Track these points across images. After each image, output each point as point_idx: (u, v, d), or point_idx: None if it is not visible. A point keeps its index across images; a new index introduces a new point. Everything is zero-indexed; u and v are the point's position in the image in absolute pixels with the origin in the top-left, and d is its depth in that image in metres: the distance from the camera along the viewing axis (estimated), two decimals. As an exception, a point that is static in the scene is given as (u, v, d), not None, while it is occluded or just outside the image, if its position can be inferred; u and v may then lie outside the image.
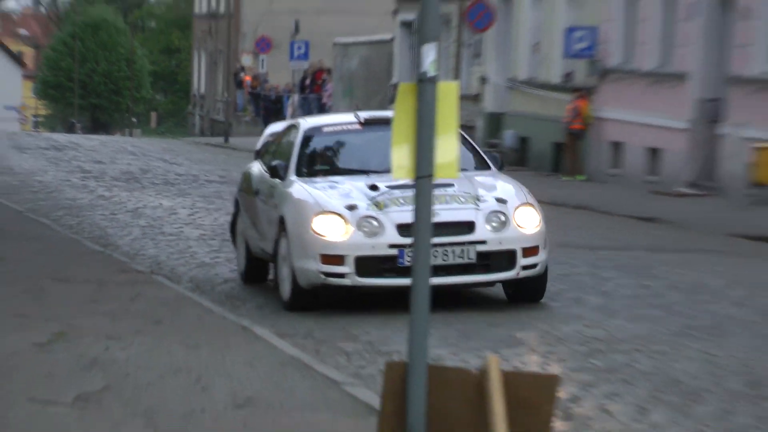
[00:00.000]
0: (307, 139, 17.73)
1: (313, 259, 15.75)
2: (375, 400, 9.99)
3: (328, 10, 68.39)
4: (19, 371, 12.11)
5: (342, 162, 17.91)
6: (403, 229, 15.40)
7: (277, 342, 13.93)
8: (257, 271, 18.73)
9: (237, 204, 19.54)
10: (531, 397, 8.22)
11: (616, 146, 37.36)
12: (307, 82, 60.37)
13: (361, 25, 60.71)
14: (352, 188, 16.41)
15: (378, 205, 15.85)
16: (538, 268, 16.22)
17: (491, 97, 43.63)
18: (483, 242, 15.88)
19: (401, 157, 8.33)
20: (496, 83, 43.94)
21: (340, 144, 18.15)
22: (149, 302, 16.02)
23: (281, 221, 16.57)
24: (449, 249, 15.73)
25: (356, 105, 41.29)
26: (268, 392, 11.67)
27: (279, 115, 61.85)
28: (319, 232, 15.78)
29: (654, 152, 35.14)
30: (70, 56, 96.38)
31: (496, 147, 39.21)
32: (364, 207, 15.93)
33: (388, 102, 47.79)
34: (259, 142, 20.18)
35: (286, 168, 17.18)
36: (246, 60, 70.79)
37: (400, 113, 8.33)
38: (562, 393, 8.36)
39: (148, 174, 37.97)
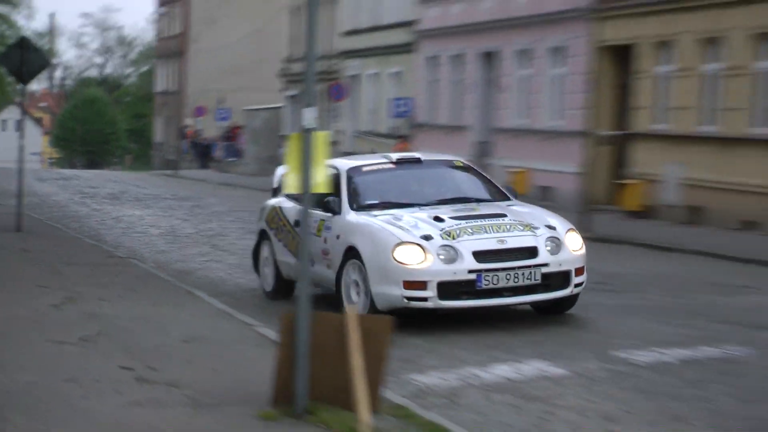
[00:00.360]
0: (350, 178, 13.54)
1: (396, 285, 11.96)
2: (275, 336, 9.86)
3: (241, 89, 67.98)
4: (41, 322, 11.84)
5: (388, 197, 13.48)
6: (479, 255, 12.04)
7: (210, 300, 13.75)
8: (284, 290, 14.48)
9: (262, 235, 15.05)
10: (376, 331, 8.17)
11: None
12: (228, 134, 60.29)
13: (262, 98, 60.47)
14: (416, 220, 12.57)
15: (450, 235, 12.15)
16: (583, 285, 12.83)
17: (345, 142, 43.57)
18: (546, 264, 12.25)
19: (292, 179, 8.26)
20: (348, 133, 43.98)
21: (381, 181, 13.79)
22: (127, 277, 15.73)
23: (349, 251, 12.63)
24: (519, 272, 12.11)
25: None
26: (206, 332, 11.53)
27: (209, 156, 61.60)
28: (401, 260, 11.97)
29: (448, 176, 35.26)
30: (73, 120, 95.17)
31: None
32: (438, 236, 12.15)
33: (278, 147, 47.73)
34: (275, 182, 15.61)
35: (339, 203, 13.20)
36: (188, 121, 70.12)
37: (291, 152, 8.24)
38: (395, 328, 8.35)
39: (126, 194, 37.42)
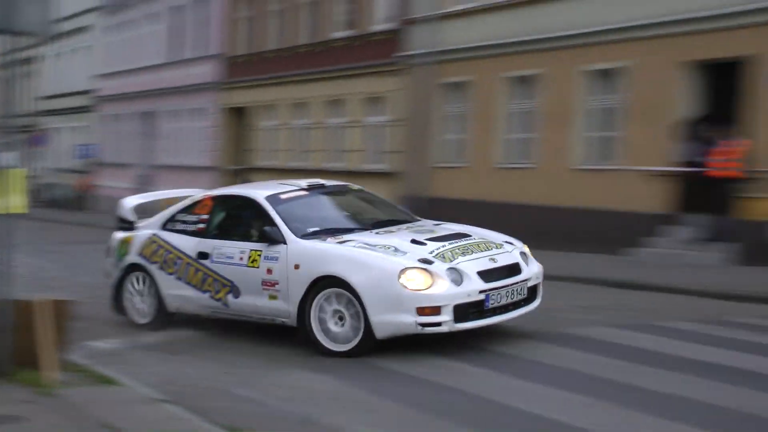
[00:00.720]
0: (274, 206, 9.29)
1: (407, 312, 8.16)
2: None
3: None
4: None
5: (322, 222, 9.34)
6: (484, 275, 8.51)
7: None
8: (162, 322, 10.12)
9: (130, 269, 10.29)
10: (60, 311, 7.77)
11: (105, 198, 36.30)
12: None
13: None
14: (395, 245, 8.64)
15: (445, 257, 8.50)
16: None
17: (46, 176, 41.19)
18: (529, 279, 8.94)
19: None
20: (47, 169, 41.66)
21: (306, 207, 9.57)
22: None
23: (320, 280, 8.55)
24: (514, 288, 8.72)
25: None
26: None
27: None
28: (409, 286, 8.18)
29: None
30: None
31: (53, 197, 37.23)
32: (435, 260, 8.47)
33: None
34: (126, 213, 10.72)
35: (279, 232, 8.96)
36: None
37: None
38: (76, 310, 7.96)
39: None
